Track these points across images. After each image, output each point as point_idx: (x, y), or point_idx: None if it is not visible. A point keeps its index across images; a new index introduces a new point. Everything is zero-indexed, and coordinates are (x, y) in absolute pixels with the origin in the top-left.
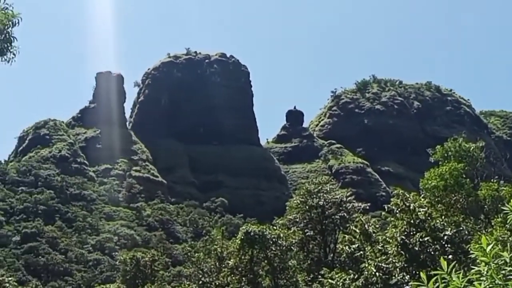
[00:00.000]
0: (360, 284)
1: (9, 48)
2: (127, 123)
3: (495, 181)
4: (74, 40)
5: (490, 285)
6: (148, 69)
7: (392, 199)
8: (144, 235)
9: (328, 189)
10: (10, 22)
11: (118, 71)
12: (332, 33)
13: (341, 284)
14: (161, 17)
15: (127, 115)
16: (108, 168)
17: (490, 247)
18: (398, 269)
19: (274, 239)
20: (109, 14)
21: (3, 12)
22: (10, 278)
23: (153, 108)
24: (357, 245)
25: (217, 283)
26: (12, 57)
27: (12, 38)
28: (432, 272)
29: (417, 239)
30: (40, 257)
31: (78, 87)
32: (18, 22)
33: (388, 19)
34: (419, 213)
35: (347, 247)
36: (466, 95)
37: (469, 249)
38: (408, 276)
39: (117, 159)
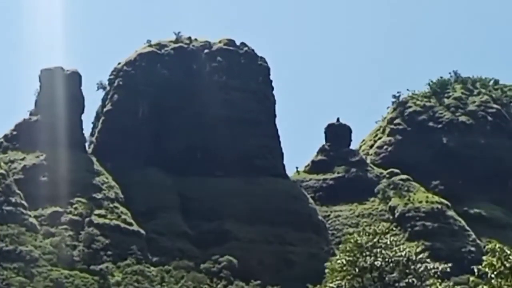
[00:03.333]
0: None
1: None
2: (87, 145)
3: None
4: (9, 25)
5: None
6: (119, 63)
7: (484, 258)
8: None
9: (389, 243)
10: None
11: (73, 67)
12: (392, 13)
13: None
14: None
15: (87, 132)
16: (57, 212)
17: None
18: None
19: None
20: None
21: None
22: None
23: (126, 122)
24: None
25: None
26: None
27: None
28: None
29: None
30: None
31: (13, 91)
32: None
33: None
34: None
35: None
36: None
37: None
38: None
39: (72, 198)
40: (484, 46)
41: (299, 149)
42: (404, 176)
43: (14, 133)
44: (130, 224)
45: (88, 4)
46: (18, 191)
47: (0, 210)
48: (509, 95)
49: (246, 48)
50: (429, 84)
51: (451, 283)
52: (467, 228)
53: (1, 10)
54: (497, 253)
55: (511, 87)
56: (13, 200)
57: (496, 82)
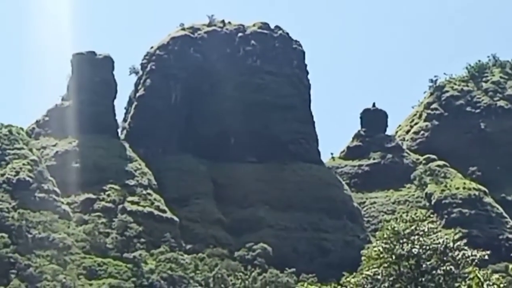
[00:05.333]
0: None
1: None
2: (120, 130)
3: None
4: (39, 9)
5: None
6: (151, 47)
7: None
8: None
9: (426, 230)
10: None
11: (105, 51)
12: None
13: None
14: None
15: (119, 117)
16: (90, 199)
17: None
18: None
19: None
20: None
21: None
22: None
23: (159, 107)
24: None
25: None
26: None
27: None
28: None
29: None
30: None
31: (46, 76)
32: None
33: None
34: None
35: None
36: None
37: None
38: None
39: (104, 184)
40: None
41: (334, 134)
42: (440, 162)
43: (46, 119)
44: (164, 211)
45: None
46: (50, 178)
47: (32, 197)
48: None
49: (280, 32)
50: (466, 68)
51: (489, 271)
52: (505, 215)
53: None
54: None
55: None
56: (45, 186)
57: None
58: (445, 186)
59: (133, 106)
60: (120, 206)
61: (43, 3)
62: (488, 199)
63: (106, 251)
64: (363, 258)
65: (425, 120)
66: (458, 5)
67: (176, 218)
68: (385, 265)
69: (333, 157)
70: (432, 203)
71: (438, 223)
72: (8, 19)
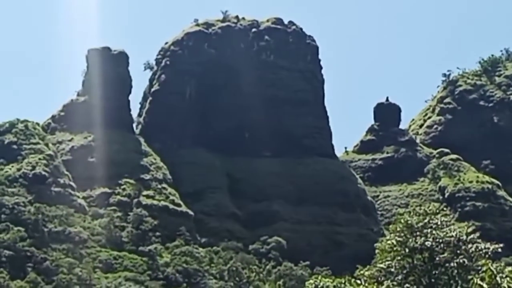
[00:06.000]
0: None
1: None
2: (135, 125)
3: None
4: (56, 5)
5: None
6: (166, 43)
7: None
8: None
9: (439, 223)
10: None
11: (120, 47)
12: None
13: None
14: None
15: (134, 112)
16: (105, 193)
17: None
18: None
19: None
20: None
21: None
22: None
23: (174, 102)
24: None
25: None
26: None
27: None
28: None
29: None
30: None
31: (61, 72)
32: None
33: None
34: None
35: None
36: None
37: None
38: None
39: (120, 179)
40: None
41: (347, 128)
42: (454, 156)
43: (62, 114)
44: (178, 205)
45: None
46: (66, 172)
47: (48, 191)
48: None
49: (294, 27)
50: (479, 62)
51: (502, 264)
52: None
53: None
54: None
55: None
56: (61, 181)
57: None
58: (458, 179)
59: (148, 101)
60: (135, 200)
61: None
62: (501, 193)
63: (121, 245)
64: (376, 251)
65: (438, 114)
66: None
67: (191, 212)
68: (399, 258)
69: (346, 151)
70: (446, 196)
71: (451, 216)
72: (25, 17)
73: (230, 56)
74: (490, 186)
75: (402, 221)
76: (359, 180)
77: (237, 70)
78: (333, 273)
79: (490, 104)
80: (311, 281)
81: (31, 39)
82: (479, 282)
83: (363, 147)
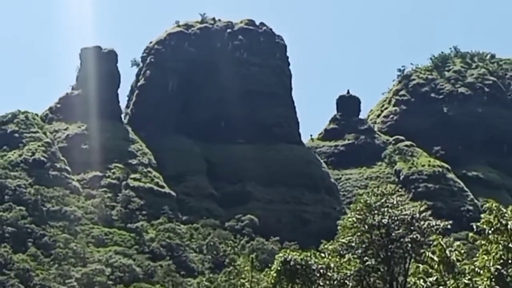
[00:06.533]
0: None
1: None
2: (123, 116)
3: None
4: (52, 8)
5: None
6: (150, 42)
7: (482, 215)
8: (147, 265)
9: (395, 202)
10: None
11: (110, 45)
12: None
13: None
14: None
15: (123, 104)
16: (97, 176)
17: None
18: None
19: (322, 271)
20: None
21: None
22: None
23: (158, 95)
24: (435, 277)
25: None
26: None
27: None
28: None
29: None
30: None
31: (57, 68)
32: None
33: None
34: None
35: (421, 280)
36: None
37: None
38: None
39: (110, 164)
40: (482, 22)
41: (313, 118)
42: (408, 143)
43: (58, 105)
44: (162, 187)
45: None
46: (62, 158)
47: (46, 175)
48: (504, 68)
49: (265, 28)
50: (431, 59)
51: (451, 239)
52: (466, 189)
53: None
54: (494, 212)
55: (506, 61)
56: (58, 165)
57: (493, 56)
58: (412, 163)
59: (135, 94)
60: (124, 183)
61: (59, 4)
62: (450, 175)
63: (111, 222)
64: (339, 227)
65: (394, 105)
66: (424, 1)
67: (173, 193)
68: (359, 233)
69: (312, 139)
70: (401, 178)
71: (405, 196)
72: (24, 20)
73: (208, 54)
74: (440, 170)
75: (362, 201)
76: (323, 164)
77: (214, 67)
78: (300, 247)
79: (440, 96)
80: (280, 254)
81: (30, 39)
82: (430, 255)
83: (327, 135)
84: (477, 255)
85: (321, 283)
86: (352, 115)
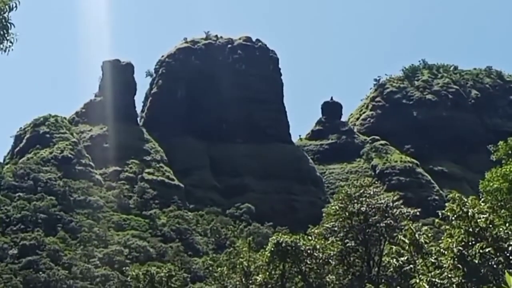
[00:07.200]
0: None
1: (6, 35)
2: (139, 119)
3: None
4: (78, 26)
5: None
6: (162, 56)
7: (446, 204)
8: (159, 247)
9: (372, 193)
10: (7, 6)
11: (127, 59)
12: (373, 11)
13: None
14: None
15: (138, 109)
16: (117, 171)
17: None
18: (454, 285)
19: (309, 251)
20: None
21: None
22: None
23: (168, 101)
24: (406, 257)
25: None
26: (9, 46)
27: (9, 24)
28: None
29: (477, 250)
30: (40, 272)
31: (83, 78)
32: (16, 6)
33: None
34: (479, 220)
35: (394, 260)
36: None
37: None
38: None
39: (127, 160)
40: (447, 38)
41: (301, 121)
42: (383, 142)
43: (83, 110)
44: (172, 180)
45: (140, 14)
46: (86, 155)
47: (73, 170)
48: (465, 78)
49: (260, 43)
50: (402, 70)
51: (420, 224)
52: (432, 181)
53: (70, 14)
54: (456, 201)
55: (467, 72)
56: (83, 161)
57: (456, 68)
58: (386, 159)
59: (149, 100)
60: (139, 176)
61: (86, 24)
62: (419, 170)
63: (129, 210)
64: (323, 214)
65: (371, 110)
66: (396, 20)
67: (181, 185)
68: (341, 220)
69: (300, 138)
70: (376, 172)
71: (381, 188)
72: (54, 38)
73: (211, 66)
74: (410, 165)
75: (343, 191)
76: (310, 161)
77: (216, 77)
78: (290, 231)
79: (411, 102)
80: (273, 237)
81: (59, 54)
82: (402, 238)
83: (313, 135)
84: (442, 238)
85: (308, 262)
86: (335, 118)
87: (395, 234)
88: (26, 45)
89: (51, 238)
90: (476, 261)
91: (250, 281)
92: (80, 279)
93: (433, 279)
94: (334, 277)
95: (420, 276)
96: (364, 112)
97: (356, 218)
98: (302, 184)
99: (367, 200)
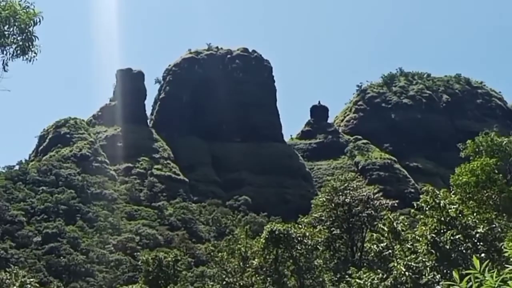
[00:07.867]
0: (389, 284)
1: (31, 47)
2: (148, 121)
3: None
4: (95, 40)
5: None
6: (169, 65)
7: (421, 196)
8: (166, 234)
9: (355, 186)
10: (32, 21)
11: (138, 68)
12: (356, 25)
13: (369, 284)
14: (181, 12)
15: (148, 112)
16: (129, 167)
17: None
18: (428, 268)
19: (299, 238)
20: (129, 11)
21: (25, 11)
22: (31, 279)
23: (175, 105)
24: (385, 243)
25: (241, 284)
26: (34, 56)
27: (33, 37)
28: (465, 271)
29: (448, 237)
30: (61, 257)
31: (99, 85)
32: (40, 21)
33: (414, 10)
34: (449, 210)
35: (375, 245)
36: (498, 88)
37: (502, 247)
38: (439, 275)
39: (138, 157)
40: (421, 49)
41: (292, 122)
42: (365, 141)
43: (99, 113)
44: (178, 175)
45: (149, 27)
46: (102, 153)
47: (90, 166)
48: (437, 84)
49: (256, 54)
50: (382, 77)
51: (397, 214)
52: (408, 176)
53: (88, 26)
54: (430, 193)
55: (439, 79)
56: (99, 159)
57: (429, 75)
58: (368, 157)
59: (157, 104)
60: (149, 172)
61: (96, 32)
62: (397, 165)
63: (140, 202)
64: (312, 205)
65: (354, 113)
66: (376, 33)
67: (186, 180)
68: (327, 210)
69: (292, 138)
70: (359, 168)
71: (363, 182)
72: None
73: (212, 74)
74: (389, 161)
75: (329, 185)
76: (300, 158)
77: (217, 83)
78: (283, 220)
79: (389, 106)
80: (268, 226)
81: (79, 63)
82: (381, 226)
83: (303, 135)
84: (417, 226)
85: (298, 248)
86: (322, 120)
87: (375, 223)
88: (50, 56)
89: (70, 227)
90: (448, 247)
91: (247, 265)
92: (96, 263)
93: (409, 263)
94: (321, 261)
95: (398, 260)
96: (348, 115)
97: (341, 208)
98: (293, 178)
99: (351, 192)
